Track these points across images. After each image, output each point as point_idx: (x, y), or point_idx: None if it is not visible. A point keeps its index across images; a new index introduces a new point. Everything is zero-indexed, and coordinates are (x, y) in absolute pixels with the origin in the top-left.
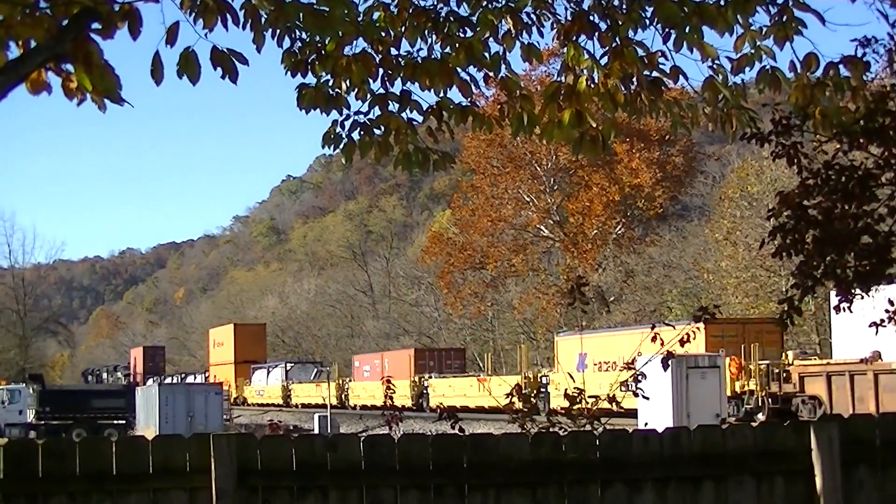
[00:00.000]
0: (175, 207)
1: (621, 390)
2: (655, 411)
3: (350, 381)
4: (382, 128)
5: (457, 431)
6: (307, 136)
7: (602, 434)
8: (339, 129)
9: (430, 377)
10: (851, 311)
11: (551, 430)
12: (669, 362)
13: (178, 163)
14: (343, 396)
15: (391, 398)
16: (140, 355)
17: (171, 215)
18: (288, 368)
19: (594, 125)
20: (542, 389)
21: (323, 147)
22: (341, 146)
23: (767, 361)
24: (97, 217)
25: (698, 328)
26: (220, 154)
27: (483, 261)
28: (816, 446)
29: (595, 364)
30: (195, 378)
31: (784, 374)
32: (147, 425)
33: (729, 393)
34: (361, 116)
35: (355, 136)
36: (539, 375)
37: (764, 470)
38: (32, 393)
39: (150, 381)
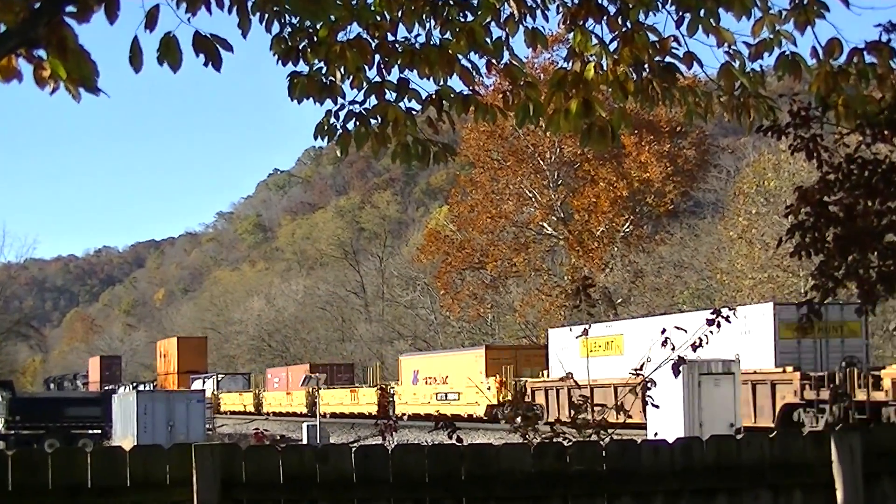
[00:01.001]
0: (155, 203)
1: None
2: (666, 420)
3: (264, 391)
4: (379, 118)
5: (454, 442)
6: (295, 127)
7: (609, 444)
8: (333, 119)
9: (320, 388)
10: (875, 315)
11: (555, 440)
12: (680, 368)
13: (157, 156)
14: (257, 404)
15: (386, 406)
16: (97, 364)
17: (150, 211)
18: (219, 379)
19: (603, 115)
20: (391, 398)
21: (316, 139)
22: (335, 138)
23: (523, 379)
24: (71, 213)
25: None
26: (202, 146)
27: (482, 260)
28: (837, 458)
29: (423, 379)
30: (146, 387)
31: (874, 381)
32: (124, 435)
33: (495, 401)
34: (357, 106)
35: (350, 126)
36: (388, 387)
37: (781, 483)
38: (2, 401)
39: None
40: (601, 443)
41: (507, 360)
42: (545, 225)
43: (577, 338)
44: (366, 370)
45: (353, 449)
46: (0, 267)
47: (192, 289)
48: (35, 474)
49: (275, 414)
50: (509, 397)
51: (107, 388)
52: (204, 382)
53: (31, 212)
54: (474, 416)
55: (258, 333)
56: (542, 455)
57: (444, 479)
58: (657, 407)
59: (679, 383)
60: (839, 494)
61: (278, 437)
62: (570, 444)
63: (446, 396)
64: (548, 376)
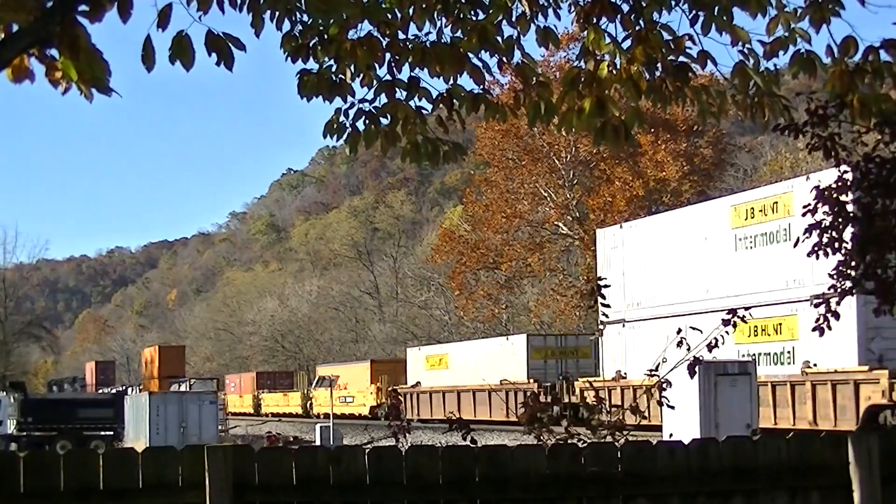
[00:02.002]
0: (167, 203)
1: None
2: (681, 422)
3: (225, 394)
4: (389, 117)
5: (468, 443)
6: (309, 126)
7: (624, 446)
8: (342, 118)
9: (263, 392)
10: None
11: (570, 441)
12: (696, 369)
13: (170, 156)
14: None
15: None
16: (93, 368)
17: (163, 212)
18: (192, 384)
19: (616, 114)
20: (310, 400)
21: (325, 137)
22: (345, 136)
23: (395, 387)
24: (83, 214)
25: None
26: (215, 146)
27: (497, 260)
28: (855, 460)
29: (337, 385)
30: (133, 391)
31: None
32: (137, 437)
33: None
34: (367, 104)
35: (360, 125)
36: (309, 391)
37: (798, 485)
38: (13, 402)
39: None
40: (616, 444)
41: (386, 370)
42: (560, 224)
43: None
44: (294, 375)
45: (367, 451)
46: (12, 268)
47: (204, 289)
48: (47, 476)
49: (232, 414)
50: (382, 400)
51: (103, 390)
52: (179, 386)
53: (43, 212)
54: (362, 414)
55: (271, 334)
56: (556, 457)
57: (458, 481)
58: (672, 408)
59: (695, 384)
60: (856, 497)
61: (291, 439)
62: (585, 445)
63: (345, 399)
64: (406, 383)
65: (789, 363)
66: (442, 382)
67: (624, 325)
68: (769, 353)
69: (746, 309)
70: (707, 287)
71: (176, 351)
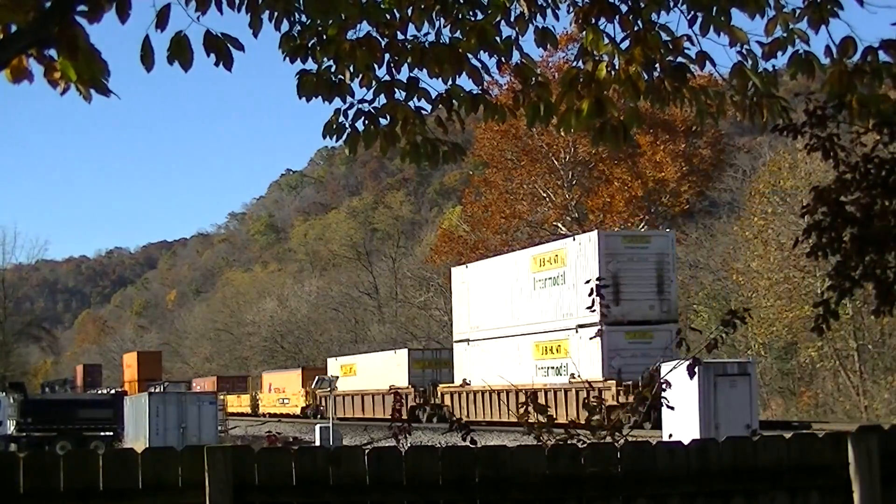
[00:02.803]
0: (166, 204)
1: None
2: (681, 422)
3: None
4: (388, 117)
5: (468, 444)
6: (308, 126)
7: (624, 447)
8: (342, 118)
9: (222, 394)
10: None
11: (569, 442)
12: (696, 369)
13: (169, 156)
14: None
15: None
16: (81, 371)
17: (162, 212)
18: (165, 386)
19: (615, 115)
20: (257, 401)
21: (324, 138)
22: (344, 137)
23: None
24: (82, 214)
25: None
26: (214, 146)
27: None
28: (854, 460)
29: (273, 388)
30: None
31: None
32: (136, 437)
33: (304, 404)
34: (366, 105)
35: (359, 125)
36: (256, 394)
37: (798, 485)
38: (13, 402)
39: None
40: (616, 445)
41: (313, 377)
42: (559, 225)
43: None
44: (247, 380)
45: (367, 451)
46: (11, 268)
47: (204, 290)
48: (46, 477)
49: None
50: (309, 401)
51: (92, 391)
52: (156, 388)
53: (43, 213)
54: (295, 413)
55: (271, 335)
56: (556, 457)
57: (458, 481)
58: (672, 408)
59: (694, 385)
60: (856, 497)
61: (291, 440)
62: (585, 446)
63: (283, 401)
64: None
65: (564, 374)
66: (351, 387)
67: (469, 344)
68: (553, 367)
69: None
70: (517, 316)
71: (153, 356)
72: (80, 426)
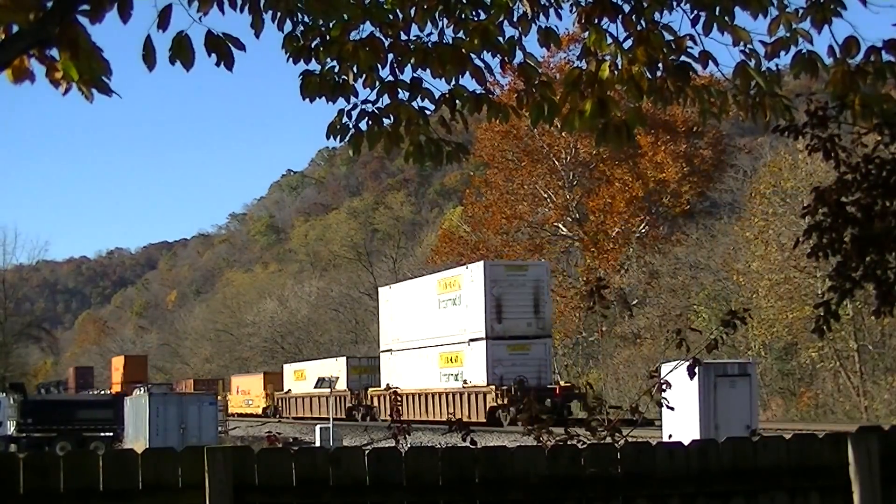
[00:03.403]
0: (167, 204)
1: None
2: (681, 423)
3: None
4: (392, 117)
5: (468, 444)
6: (309, 127)
7: (624, 447)
8: (345, 118)
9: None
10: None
11: (569, 442)
12: (696, 370)
13: (170, 157)
14: None
15: (398, 411)
16: (73, 373)
17: (162, 213)
18: (149, 388)
19: (618, 115)
20: (226, 402)
21: (328, 138)
22: (348, 137)
23: (276, 392)
24: (83, 215)
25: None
26: (215, 147)
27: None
28: (854, 461)
29: (240, 391)
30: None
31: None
32: (136, 438)
33: (265, 405)
34: (369, 105)
35: (363, 126)
36: (225, 396)
37: (798, 486)
38: (13, 403)
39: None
40: (616, 445)
41: (273, 381)
42: (560, 226)
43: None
44: (219, 383)
45: (366, 452)
46: (12, 269)
47: (204, 290)
48: (46, 478)
49: None
50: (267, 403)
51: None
52: (140, 390)
53: (43, 213)
54: (257, 413)
55: (271, 335)
56: (556, 458)
57: (458, 482)
58: (672, 409)
59: (695, 385)
60: (856, 497)
61: (291, 440)
62: (585, 446)
63: (248, 402)
64: (284, 390)
65: (459, 380)
66: (302, 390)
67: (391, 353)
68: (452, 374)
69: (746, 311)
70: (426, 331)
71: (139, 360)
72: (80, 427)
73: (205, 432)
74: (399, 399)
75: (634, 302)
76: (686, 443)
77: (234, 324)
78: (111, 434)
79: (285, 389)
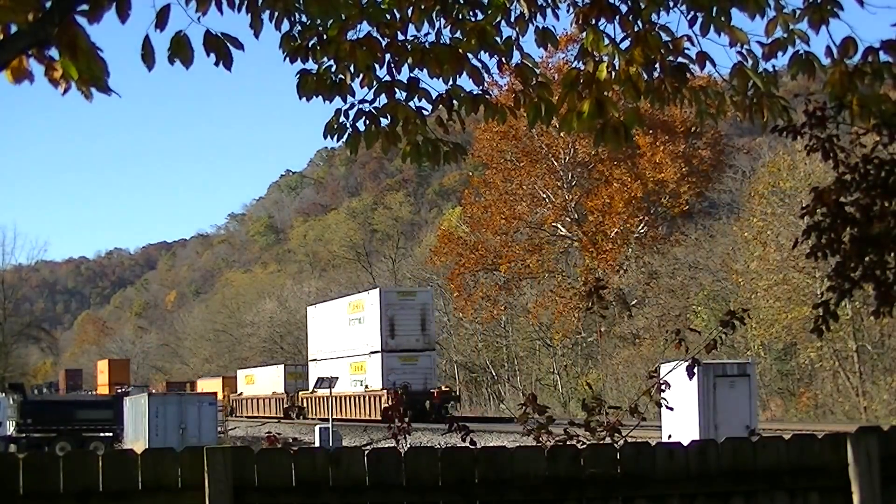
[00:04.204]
0: (166, 205)
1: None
2: (680, 423)
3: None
4: (389, 117)
5: (468, 445)
6: (308, 127)
7: (623, 448)
8: (342, 118)
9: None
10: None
11: (569, 443)
12: (695, 370)
13: (169, 157)
14: None
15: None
16: (63, 375)
17: (161, 213)
18: (129, 389)
19: (616, 115)
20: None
21: (325, 138)
22: (345, 137)
23: (232, 395)
24: (82, 215)
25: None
26: (214, 147)
27: (496, 261)
28: (854, 461)
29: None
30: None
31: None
32: (136, 438)
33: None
34: (367, 105)
35: (360, 125)
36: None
37: (798, 486)
38: (13, 403)
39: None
40: (615, 446)
41: (230, 384)
42: (559, 226)
43: (244, 374)
44: (191, 385)
45: (366, 452)
46: (11, 269)
47: (203, 291)
48: (46, 478)
49: None
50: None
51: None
52: (121, 390)
53: (42, 213)
54: None
55: (270, 336)
56: (556, 458)
57: (458, 483)
58: (671, 409)
59: (694, 385)
60: (856, 498)
61: (290, 441)
62: (585, 447)
63: None
64: (238, 393)
65: (363, 386)
66: (252, 393)
67: (316, 362)
68: (359, 380)
69: (745, 311)
70: (340, 344)
71: (122, 363)
72: (79, 427)
73: (204, 433)
74: (403, 398)
75: (633, 302)
76: (685, 443)
77: (234, 324)
78: (111, 434)
79: (238, 392)
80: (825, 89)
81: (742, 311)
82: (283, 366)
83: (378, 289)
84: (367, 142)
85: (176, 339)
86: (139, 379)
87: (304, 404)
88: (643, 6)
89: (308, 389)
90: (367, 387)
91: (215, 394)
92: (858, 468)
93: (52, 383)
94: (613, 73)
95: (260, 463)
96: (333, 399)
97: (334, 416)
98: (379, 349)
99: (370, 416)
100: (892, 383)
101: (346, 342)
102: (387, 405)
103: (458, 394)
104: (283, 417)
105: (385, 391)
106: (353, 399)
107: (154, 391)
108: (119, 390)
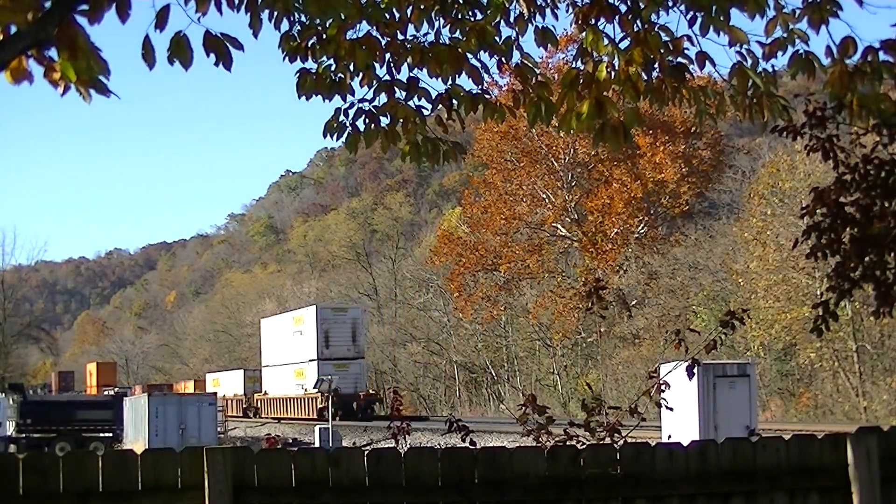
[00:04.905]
0: (166, 205)
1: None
2: (680, 423)
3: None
4: (389, 116)
5: (468, 445)
6: (308, 127)
7: (623, 448)
8: (342, 117)
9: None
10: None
11: (569, 443)
12: (695, 370)
13: (169, 157)
14: None
15: (398, 410)
16: (56, 377)
17: (161, 213)
18: (116, 391)
19: (616, 115)
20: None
21: (325, 137)
22: (344, 136)
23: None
24: (82, 215)
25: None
26: (214, 148)
27: (496, 262)
28: (854, 461)
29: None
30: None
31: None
32: (136, 439)
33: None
34: (366, 104)
35: (360, 124)
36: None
37: (797, 486)
38: (12, 404)
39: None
40: (615, 446)
41: (201, 386)
42: (559, 226)
43: (212, 378)
44: (171, 386)
45: (366, 452)
46: (11, 269)
47: (203, 291)
48: (46, 478)
49: None
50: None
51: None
52: (107, 392)
53: (42, 214)
54: None
55: None
56: (555, 458)
57: (457, 483)
58: (671, 409)
59: (694, 386)
60: (856, 498)
61: (290, 441)
62: (584, 447)
63: None
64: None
65: (303, 389)
66: (220, 394)
67: (269, 368)
68: (301, 384)
69: (745, 311)
70: (286, 353)
71: (110, 366)
72: (79, 427)
73: (204, 433)
74: (400, 399)
75: (633, 302)
76: (685, 443)
77: (233, 324)
78: (110, 434)
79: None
80: (825, 89)
81: (742, 311)
82: (242, 371)
83: (315, 306)
84: (366, 141)
85: (176, 340)
86: (139, 379)
87: (259, 405)
88: (643, 6)
89: (261, 392)
90: (306, 390)
91: (215, 394)
92: (858, 468)
93: (44, 384)
94: (613, 73)
95: (260, 463)
96: (282, 401)
97: (281, 416)
98: (315, 357)
99: (308, 414)
100: (891, 383)
101: (291, 351)
102: (321, 406)
103: (381, 396)
104: (242, 416)
105: (318, 394)
106: (295, 401)
107: (134, 392)
108: (106, 393)
